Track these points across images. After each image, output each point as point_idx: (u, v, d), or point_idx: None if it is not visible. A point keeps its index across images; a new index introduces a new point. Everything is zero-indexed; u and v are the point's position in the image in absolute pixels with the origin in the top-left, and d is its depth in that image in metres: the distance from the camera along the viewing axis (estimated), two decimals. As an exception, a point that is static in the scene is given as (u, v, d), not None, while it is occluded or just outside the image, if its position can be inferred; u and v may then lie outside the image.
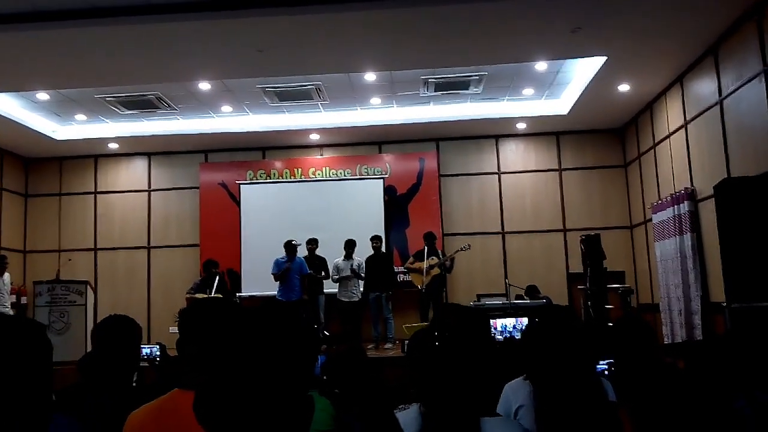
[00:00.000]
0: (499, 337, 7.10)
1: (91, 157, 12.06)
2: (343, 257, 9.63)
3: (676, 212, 8.77)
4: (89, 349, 2.57)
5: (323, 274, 9.62)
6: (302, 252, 9.66)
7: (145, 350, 6.44)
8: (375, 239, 9.72)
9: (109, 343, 2.42)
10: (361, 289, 9.64)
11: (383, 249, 10.00)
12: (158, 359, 6.43)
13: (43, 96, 9.42)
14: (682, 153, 8.91)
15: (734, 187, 6.63)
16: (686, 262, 8.54)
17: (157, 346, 6.57)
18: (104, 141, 11.33)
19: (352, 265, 9.51)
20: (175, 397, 1.84)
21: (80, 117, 10.55)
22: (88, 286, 10.06)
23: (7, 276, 9.64)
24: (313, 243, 9.76)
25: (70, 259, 11.45)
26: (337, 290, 9.64)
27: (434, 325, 2.59)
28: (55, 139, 10.99)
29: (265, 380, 0.99)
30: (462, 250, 9.62)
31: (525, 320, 7.30)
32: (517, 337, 6.64)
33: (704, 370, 2.86)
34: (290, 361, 1.02)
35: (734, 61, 7.38)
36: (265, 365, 1.00)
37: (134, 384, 2.85)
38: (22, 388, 1.49)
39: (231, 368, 1.00)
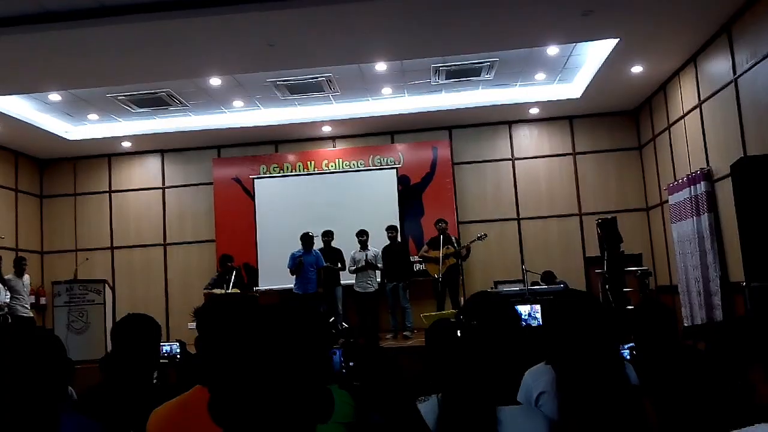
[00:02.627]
0: None
1: (104, 156, 12.15)
2: (358, 248, 9.63)
3: (692, 193, 8.68)
4: (109, 347, 2.58)
5: (339, 265, 9.62)
6: (318, 244, 9.66)
7: (165, 348, 6.47)
8: (391, 229, 9.71)
9: (128, 343, 2.42)
10: (378, 279, 9.64)
11: (399, 239, 9.99)
12: (178, 357, 6.46)
13: (54, 97, 9.48)
14: (698, 133, 8.81)
15: (751, 166, 6.55)
16: (704, 242, 8.46)
17: (177, 344, 6.59)
18: (117, 140, 11.40)
19: (367, 256, 9.50)
20: (196, 394, 1.84)
21: (92, 117, 10.60)
22: (106, 285, 10.12)
23: (27, 278, 9.76)
24: (328, 235, 9.75)
25: (87, 259, 11.55)
26: (354, 281, 9.65)
27: (461, 315, 2.58)
28: (68, 140, 11.07)
29: (280, 377, 0.98)
30: (478, 239, 9.57)
31: (539, 307, 7.22)
32: (533, 325, 6.60)
33: (725, 351, 2.82)
34: (305, 357, 1.01)
35: (748, 38, 7.27)
36: (280, 362, 0.99)
37: (155, 382, 2.86)
38: (32, 389, 1.50)
39: (245, 366, 0.99)
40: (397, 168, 11.38)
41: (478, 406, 1.80)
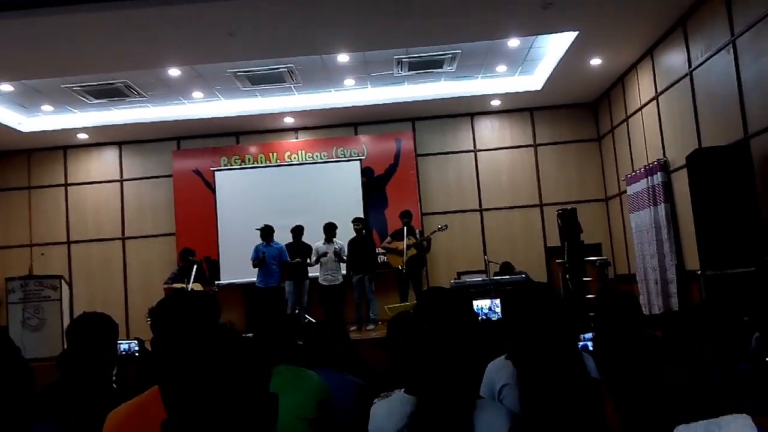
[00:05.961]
0: None
1: (59, 148, 11.84)
2: (323, 241, 9.55)
3: (649, 183, 8.85)
4: (66, 345, 2.51)
5: (308, 260, 9.52)
6: (288, 239, 9.54)
7: (123, 346, 6.36)
8: (357, 221, 9.66)
9: (84, 343, 2.36)
10: (343, 272, 9.60)
11: (364, 231, 9.95)
12: (137, 354, 6.36)
13: (6, 87, 9.19)
14: (654, 125, 8.98)
15: (706, 157, 6.72)
16: (661, 232, 8.64)
17: (135, 342, 6.49)
18: (73, 131, 11.11)
19: (335, 249, 9.45)
20: (155, 395, 1.81)
21: (47, 108, 10.32)
22: (63, 281, 9.90)
23: (-21, 274, 9.49)
24: (297, 231, 9.62)
25: (42, 254, 11.26)
26: (318, 274, 9.58)
27: (420, 311, 2.57)
28: (22, 132, 10.74)
29: (228, 389, 0.97)
30: (439, 230, 9.59)
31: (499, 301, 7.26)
32: (493, 319, 6.66)
33: (682, 340, 2.88)
34: (246, 367, 1.00)
35: (703, 32, 7.42)
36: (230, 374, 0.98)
37: (114, 379, 2.81)
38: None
39: (191, 371, 0.98)
40: (360, 160, 11.34)
41: (455, 402, 1.78)
